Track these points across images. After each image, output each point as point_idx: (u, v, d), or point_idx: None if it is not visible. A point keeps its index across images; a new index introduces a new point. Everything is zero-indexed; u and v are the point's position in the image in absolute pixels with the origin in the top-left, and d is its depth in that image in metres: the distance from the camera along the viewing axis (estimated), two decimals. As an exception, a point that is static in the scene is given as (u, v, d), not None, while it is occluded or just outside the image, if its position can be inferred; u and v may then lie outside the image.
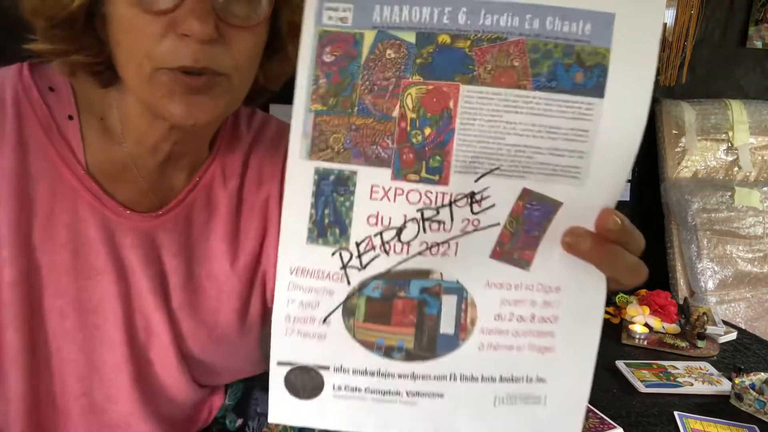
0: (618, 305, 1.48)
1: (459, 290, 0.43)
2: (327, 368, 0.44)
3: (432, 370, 0.44)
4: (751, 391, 1.09)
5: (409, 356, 0.44)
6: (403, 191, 0.41)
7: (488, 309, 0.43)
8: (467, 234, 0.42)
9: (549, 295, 0.43)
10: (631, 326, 1.39)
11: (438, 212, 0.41)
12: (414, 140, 0.40)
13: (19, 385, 0.55)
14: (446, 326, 0.43)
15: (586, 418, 1.01)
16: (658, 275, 2.47)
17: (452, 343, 0.44)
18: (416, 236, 0.42)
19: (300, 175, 0.41)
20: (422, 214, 0.41)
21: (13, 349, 0.54)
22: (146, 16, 0.48)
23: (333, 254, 0.42)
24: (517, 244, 0.42)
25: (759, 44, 2.52)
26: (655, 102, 2.51)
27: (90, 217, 0.57)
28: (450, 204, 0.41)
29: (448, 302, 0.43)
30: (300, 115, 0.41)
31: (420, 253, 0.42)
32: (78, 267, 0.57)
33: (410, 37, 0.39)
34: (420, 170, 0.41)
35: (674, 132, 2.43)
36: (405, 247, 0.42)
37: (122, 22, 0.50)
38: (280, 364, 0.43)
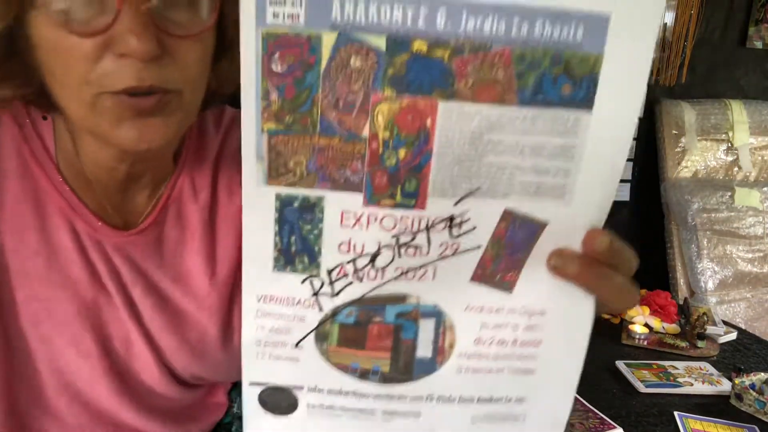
0: (618, 305, 1.48)
1: (437, 314, 0.41)
2: (301, 388, 0.43)
3: (408, 392, 0.43)
4: (751, 391, 1.09)
5: (385, 379, 0.42)
6: (376, 217, 0.37)
7: (468, 333, 0.41)
8: (445, 258, 0.39)
9: (533, 319, 0.41)
10: (631, 326, 1.39)
11: (415, 237, 0.38)
12: (387, 163, 0.36)
13: None
14: (423, 350, 0.42)
15: (586, 418, 1.01)
16: (658, 275, 2.47)
17: (429, 366, 0.42)
18: (391, 262, 0.39)
19: (259, 202, 0.37)
20: (397, 240, 0.38)
21: None
22: (76, 37, 0.42)
23: (303, 282, 0.39)
24: (499, 266, 0.40)
25: (759, 44, 2.52)
26: (655, 102, 2.51)
27: (61, 224, 0.54)
28: (427, 229, 0.38)
29: (426, 326, 0.41)
30: (251, 136, 0.35)
31: (396, 279, 0.40)
32: (52, 275, 0.54)
33: (379, 43, 0.33)
34: (395, 195, 0.37)
35: (674, 132, 2.43)
36: (379, 273, 0.39)
37: (50, 46, 0.44)
38: (252, 384, 0.42)
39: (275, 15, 0.33)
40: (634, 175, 2.61)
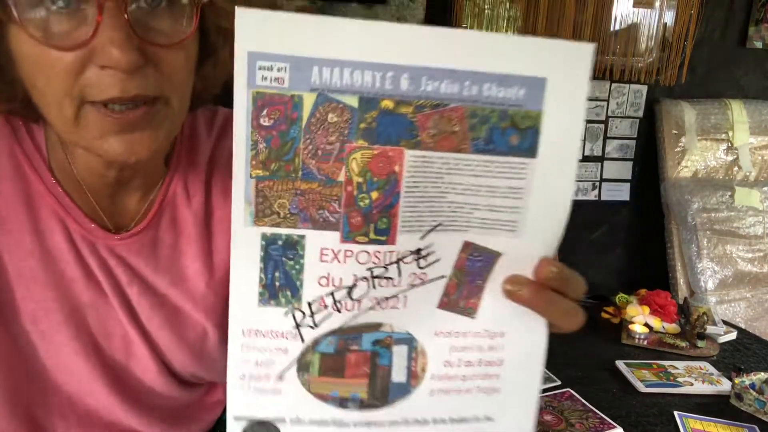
0: (618, 305, 1.48)
1: (409, 340, 0.45)
2: (283, 421, 0.45)
3: (386, 416, 0.46)
4: (751, 391, 1.09)
5: (363, 405, 0.45)
6: (352, 252, 0.42)
7: (438, 356, 0.45)
8: (415, 287, 0.43)
9: (494, 340, 0.46)
10: (631, 326, 1.39)
11: (387, 269, 0.42)
12: (361, 204, 0.40)
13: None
14: (398, 375, 0.45)
15: (586, 418, 1.01)
16: (658, 275, 2.47)
17: (404, 390, 0.45)
18: (366, 293, 0.43)
19: (246, 241, 0.41)
20: (372, 273, 0.42)
21: None
22: (57, 51, 0.42)
23: (286, 314, 0.43)
24: (462, 293, 0.44)
25: (759, 44, 2.52)
26: (655, 102, 2.51)
27: (55, 226, 0.54)
28: (398, 261, 0.42)
29: (399, 352, 0.45)
30: (240, 181, 0.39)
31: (371, 308, 0.43)
32: (47, 276, 0.54)
33: (353, 102, 0.38)
34: (368, 232, 0.41)
35: (674, 132, 2.43)
36: (356, 304, 0.43)
37: (30, 61, 0.44)
38: (236, 419, 0.44)
39: (264, 78, 0.37)
40: (634, 175, 2.61)
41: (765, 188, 2.41)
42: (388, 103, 0.39)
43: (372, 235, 0.41)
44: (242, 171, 0.39)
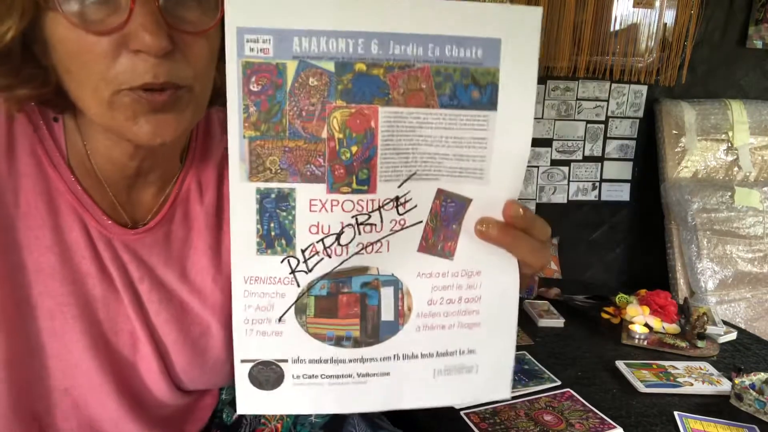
0: (618, 305, 1.48)
1: (395, 282, 0.50)
2: (286, 361, 0.49)
3: (378, 353, 0.50)
4: (751, 391, 1.09)
5: (357, 343, 0.50)
6: (338, 202, 0.46)
7: (421, 296, 0.50)
8: (396, 233, 0.48)
9: (472, 279, 0.51)
10: (631, 326, 1.39)
11: (370, 216, 0.47)
12: (343, 157, 0.45)
13: (3, 387, 0.54)
14: (387, 314, 0.50)
15: (586, 418, 1.01)
16: (658, 275, 2.47)
17: (393, 328, 0.50)
18: (353, 239, 0.47)
19: (243, 196, 0.45)
20: (356, 220, 0.47)
21: None
22: (93, 36, 0.45)
23: (282, 262, 0.47)
24: (439, 237, 0.49)
25: (759, 44, 2.52)
26: (655, 102, 2.51)
27: (73, 222, 0.56)
28: (379, 208, 0.47)
29: (387, 293, 0.50)
30: (235, 141, 0.44)
31: (357, 253, 0.48)
32: (64, 270, 0.56)
33: (329, 66, 0.43)
34: (351, 183, 0.46)
35: (674, 132, 2.43)
36: (344, 249, 0.47)
37: (67, 46, 0.46)
38: (243, 361, 0.48)
39: (251, 49, 0.42)
40: (634, 175, 2.61)
41: (765, 188, 2.41)
42: (361, 66, 0.43)
43: (354, 185, 0.46)
44: (236, 132, 0.44)
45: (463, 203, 0.49)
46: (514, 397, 1.07)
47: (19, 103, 0.52)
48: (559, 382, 1.14)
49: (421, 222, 0.49)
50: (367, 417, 0.76)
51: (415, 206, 0.48)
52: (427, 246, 0.50)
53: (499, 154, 0.47)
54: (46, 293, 0.55)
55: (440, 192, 0.48)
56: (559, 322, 1.45)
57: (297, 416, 0.73)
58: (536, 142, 2.52)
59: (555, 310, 1.52)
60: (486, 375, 0.53)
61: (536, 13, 0.45)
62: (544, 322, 1.45)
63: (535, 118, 2.39)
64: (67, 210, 0.56)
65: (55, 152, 0.55)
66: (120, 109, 0.48)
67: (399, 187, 0.47)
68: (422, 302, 0.50)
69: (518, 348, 1.29)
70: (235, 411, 0.73)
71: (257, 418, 0.78)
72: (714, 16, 2.48)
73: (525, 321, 1.46)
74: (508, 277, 0.51)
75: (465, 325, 0.52)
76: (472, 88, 0.45)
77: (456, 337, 0.52)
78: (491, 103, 0.46)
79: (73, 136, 0.56)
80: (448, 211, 0.49)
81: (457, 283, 0.51)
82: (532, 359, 1.24)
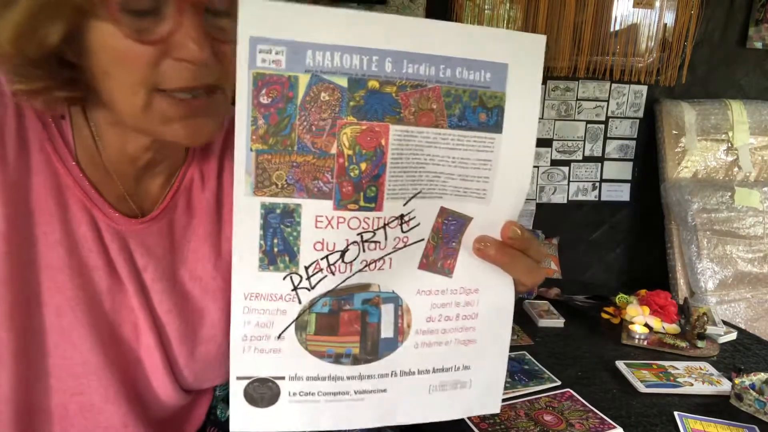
0: (618, 305, 1.48)
1: (395, 299, 0.50)
2: (283, 378, 0.48)
3: (376, 370, 0.50)
4: (751, 391, 1.09)
5: (356, 360, 0.49)
6: (344, 219, 0.45)
7: (421, 313, 0.50)
8: (398, 250, 0.48)
9: (470, 296, 0.51)
10: (631, 326, 1.39)
11: (375, 234, 0.47)
12: (352, 174, 0.44)
13: (6, 388, 0.54)
14: (387, 331, 0.50)
15: (586, 418, 1.01)
16: (658, 275, 2.47)
17: (392, 345, 0.50)
18: (357, 256, 0.47)
19: (247, 210, 0.44)
20: (362, 237, 0.46)
21: (3, 349, 0.54)
22: (139, 45, 0.47)
23: (284, 278, 0.46)
24: (439, 254, 0.50)
25: (759, 44, 2.52)
26: (655, 102, 2.51)
27: (82, 216, 0.57)
28: (384, 226, 0.47)
29: (387, 310, 0.49)
30: (242, 154, 0.43)
31: (360, 270, 0.47)
32: (72, 264, 0.57)
33: (342, 82, 0.42)
34: (359, 200, 0.45)
35: (674, 132, 2.43)
36: (348, 266, 0.47)
37: (114, 54, 0.48)
38: (239, 378, 0.47)
39: (263, 60, 0.41)
40: (634, 175, 2.61)
41: (765, 188, 2.41)
42: (374, 84, 0.43)
43: (362, 203, 0.45)
44: (243, 144, 0.43)
45: (464, 221, 0.49)
46: (514, 397, 1.07)
47: (56, 104, 0.53)
48: (559, 382, 1.14)
49: (423, 239, 0.49)
50: None
51: (419, 224, 0.48)
52: (428, 263, 0.50)
53: (503, 175, 0.48)
54: (55, 288, 0.56)
55: (443, 210, 0.48)
56: (559, 322, 1.45)
57: None
58: (536, 142, 2.52)
59: (555, 310, 1.52)
60: (479, 390, 0.54)
61: (541, 40, 0.45)
62: (544, 322, 1.45)
63: (535, 118, 2.35)
64: (76, 205, 0.57)
65: (64, 149, 0.56)
66: (156, 113, 0.50)
67: (404, 205, 0.47)
68: (421, 319, 0.50)
69: (518, 348, 1.30)
70: (228, 407, 0.74)
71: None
72: (714, 16, 2.48)
73: (525, 321, 1.46)
74: (504, 295, 0.52)
75: (461, 342, 0.52)
76: (480, 110, 0.46)
77: (452, 354, 0.52)
78: (497, 126, 0.46)
79: (81, 132, 0.58)
80: (449, 229, 0.49)
81: (455, 300, 0.51)
82: (532, 359, 1.24)
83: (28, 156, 0.54)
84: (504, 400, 1.06)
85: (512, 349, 1.29)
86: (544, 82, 2.45)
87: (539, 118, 2.48)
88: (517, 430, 0.97)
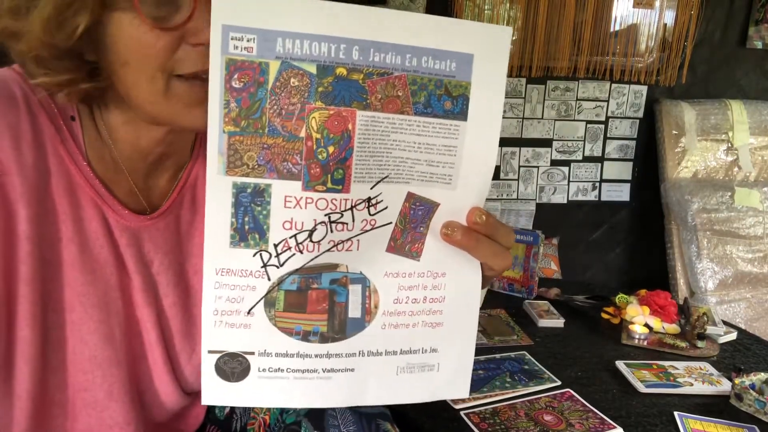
0: (618, 305, 1.48)
1: (362, 280, 0.51)
2: (252, 353, 0.50)
3: (344, 349, 0.52)
4: (751, 391, 1.09)
5: (324, 339, 0.51)
6: (312, 200, 0.47)
7: (388, 294, 0.52)
8: (366, 232, 0.50)
9: (437, 280, 0.53)
10: (631, 326, 1.39)
11: (342, 215, 0.48)
12: (320, 157, 0.46)
13: (28, 383, 0.56)
14: (354, 311, 0.51)
15: (586, 418, 1.01)
16: (658, 275, 2.47)
17: (360, 325, 0.52)
18: (325, 236, 0.48)
19: (219, 189, 0.46)
20: (329, 218, 0.48)
21: (25, 345, 0.55)
22: (158, 32, 0.49)
23: (254, 255, 0.48)
24: (407, 238, 0.51)
25: (759, 44, 2.52)
26: (655, 102, 2.51)
27: (93, 214, 0.59)
28: (351, 208, 0.48)
29: (354, 291, 0.51)
30: (215, 135, 0.44)
31: (329, 250, 0.49)
32: (83, 261, 0.58)
33: (311, 68, 0.44)
34: (326, 182, 0.47)
35: (674, 132, 2.43)
36: (316, 245, 0.49)
37: (131, 42, 0.50)
38: (210, 352, 0.49)
39: (235, 47, 0.43)
40: (634, 175, 2.61)
41: (765, 188, 2.41)
42: (341, 71, 0.45)
43: (329, 185, 0.47)
44: (216, 126, 0.44)
45: (431, 207, 0.51)
46: (514, 397, 1.07)
47: (79, 96, 0.55)
48: (559, 382, 1.14)
49: (390, 223, 0.50)
50: None
51: (386, 207, 0.50)
52: (395, 246, 0.51)
53: (467, 162, 0.49)
54: (66, 285, 0.58)
55: (410, 195, 0.50)
56: (559, 322, 1.45)
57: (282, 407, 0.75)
58: (536, 142, 2.52)
59: (555, 310, 1.51)
60: (447, 374, 0.55)
61: (506, 32, 0.48)
62: (544, 322, 1.45)
63: (535, 119, 2.37)
64: (88, 203, 0.59)
65: (75, 149, 0.58)
66: (175, 98, 0.52)
67: (371, 188, 0.49)
68: (388, 301, 0.52)
69: (518, 348, 1.30)
70: (226, 406, 0.75)
71: (247, 413, 0.80)
72: (714, 16, 2.48)
73: (525, 321, 1.46)
74: (471, 279, 0.54)
75: (428, 324, 0.54)
76: (445, 98, 0.47)
77: (420, 336, 0.54)
78: (462, 114, 0.48)
79: (91, 132, 0.60)
80: (416, 214, 0.51)
81: (422, 283, 0.53)
82: (532, 359, 1.24)
83: (45, 158, 0.56)
84: (504, 400, 1.06)
85: (512, 349, 1.29)
86: (543, 82, 2.45)
87: (539, 118, 2.49)
88: (517, 430, 0.97)
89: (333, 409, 0.70)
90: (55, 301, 0.57)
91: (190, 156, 0.69)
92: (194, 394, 0.72)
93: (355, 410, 0.70)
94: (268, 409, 0.79)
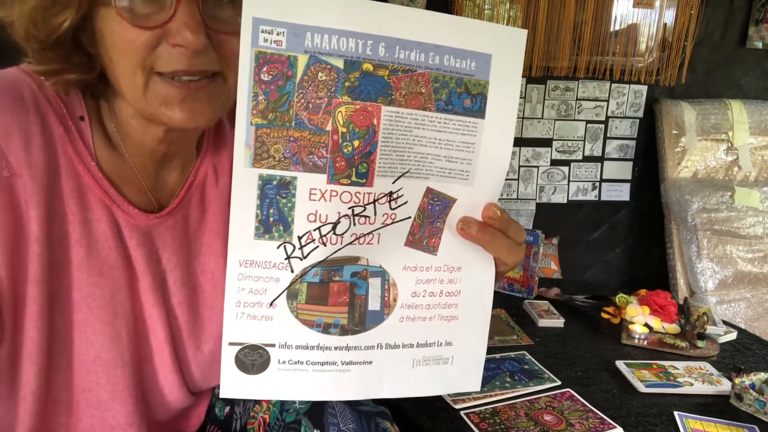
0: (618, 305, 1.48)
1: (382, 273, 0.52)
2: (273, 345, 0.50)
3: (363, 342, 0.52)
4: (751, 391, 1.09)
5: (344, 331, 0.52)
6: (337, 193, 0.48)
7: (406, 288, 0.53)
8: (387, 226, 0.51)
9: (453, 274, 0.54)
10: (631, 326, 1.39)
11: (365, 209, 0.49)
12: (345, 150, 0.47)
13: (34, 382, 0.56)
14: (373, 304, 0.52)
15: (586, 418, 1.01)
16: (658, 275, 2.47)
17: (379, 317, 0.53)
18: (348, 229, 0.49)
19: (245, 181, 0.47)
20: (353, 211, 0.49)
21: (32, 346, 0.55)
22: (137, 29, 0.49)
23: (278, 247, 0.49)
24: (425, 233, 0.52)
25: (759, 44, 2.52)
26: (655, 102, 2.51)
27: (102, 215, 0.59)
28: (374, 202, 0.49)
29: (374, 284, 0.52)
30: (242, 127, 0.45)
31: (351, 243, 0.50)
32: (91, 262, 0.58)
33: (339, 63, 0.45)
34: (351, 175, 0.48)
35: (674, 132, 2.43)
36: (339, 238, 0.49)
37: (114, 38, 0.51)
38: (231, 344, 0.50)
39: (265, 40, 0.44)
40: (634, 175, 2.61)
41: (765, 188, 2.41)
42: (368, 66, 0.45)
43: (354, 178, 0.48)
44: (244, 119, 0.45)
45: (449, 202, 0.52)
46: (514, 397, 1.07)
47: (66, 87, 0.55)
48: (559, 382, 1.14)
49: (409, 217, 0.51)
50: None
51: (406, 202, 0.51)
52: (414, 240, 0.52)
53: (484, 158, 0.50)
54: (73, 286, 0.58)
55: (429, 190, 0.51)
56: (559, 322, 1.45)
57: (282, 404, 0.76)
58: (536, 142, 2.52)
59: (555, 310, 1.51)
60: (460, 367, 0.56)
61: (522, 34, 0.49)
62: (544, 322, 1.45)
63: (535, 118, 2.37)
64: (96, 204, 0.59)
65: (84, 150, 0.58)
66: (154, 95, 0.53)
67: (393, 182, 0.49)
68: (407, 294, 0.53)
69: (518, 348, 1.30)
70: (226, 405, 0.76)
71: (246, 411, 0.80)
72: (714, 16, 2.48)
73: (525, 321, 1.46)
74: (485, 274, 0.55)
75: (444, 318, 0.54)
76: (465, 96, 0.49)
77: (435, 329, 0.54)
78: (480, 112, 0.49)
79: (100, 132, 0.60)
80: (434, 209, 0.52)
81: (439, 277, 0.54)
82: (532, 359, 1.24)
83: (54, 159, 0.56)
84: (504, 400, 1.06)
85: (512, 349, 1.29)
86: (543, 82, 2.45)
87: (539, 118, 2.48)
88: (517, 430, 0.96)
89: (332, 408, 0.70)
90: (62, 302, 0.57)
91: (197, 155, 0.69)
92: (198, 394, 0.73)
93: (354, 409, 0.70)
94: (268, 408, 0.79)
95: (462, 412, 1.00)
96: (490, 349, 1.28)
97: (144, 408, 0.64)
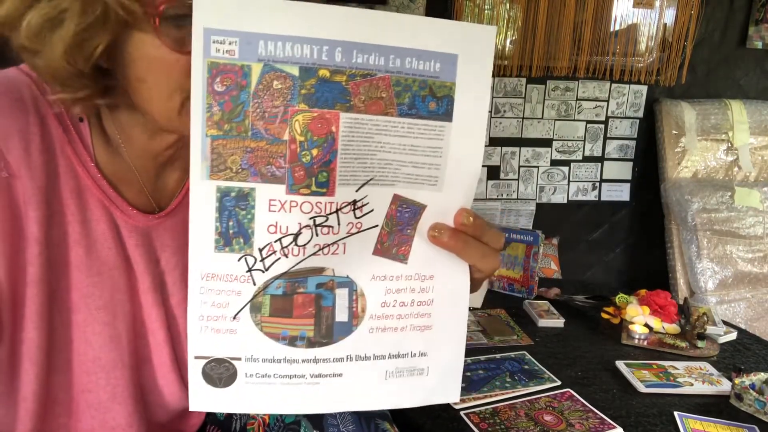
0: (618, 305, 1.48)
1: (349, 283, 0.50)
2: (239, 359, 0.49)
3: (331, 354, 0.51)
4: (751, 391, 1.09)
5: (311, 343, 0.50)
6: (297, 203, 0.46)
7: (375, 298, 0.51)
8: (352, 235, 0.49)
9: (425, 283, 0.52)
10: (631, 326, 1.39)
11: (327, 218, 0.47)
12: (304, 160, 0.45)
13: (33, 383, 0.56)
14: (341, 315, 0.51)
15: (586, 418, 1.01)
16: (658, 275, 2.47)
17: (347, 329, 0.51)
18: (310, 240, 0.48)
19: (203, 193, 0.45)
20: (314, 221, 0.47)
21: (32, 346, 0.55)
22: (177, 54, 0.49)
23: (239, 260, 0.47)
24: (393, 241, 0.50)
25: (759, 44, 2.52)
26: (655, 102, 2.51)
27: (101, 216, 0.59)
28: (337, 211, 0.48)
29: (341, 294, 0.50)
30: (197, 139, 0.44)
31: (314, 254, 0.48)
32: (90, 263, 0.58)
33: (294, 71, 0.43)
34: (310, 185, 0.46)
35: (674, 132, 2.43)
36: (301, 249, 0.48)
37: (152, 62, 0.50)
38: (197, 358, 0.49)
39: (217, 50, 0.42)
40: (634, 175, 2.61)
41: (765, 188, 2.41)
42: (324, 72, 0.44)
43: (314, 188, 0.46)
44: (199, 130, 0.44)
45: (418, 209, 0.50)
46: (514, 397, 1.07)
47: (92, 109, 0.56)
48: (559, 382, 1.14)
49: (376, 226, 0.50)
50: None
51: (372, 210, 0.49)
52: (382, 249, 0.51)
53: (453, 163, 0.49)
54: (73, 286, 0.58)
55: (396, 197, 0.49)
56: (559, 322, 1.45)
57: None
58: (536, 142, 2.52)
59: (555, 310, 1.51)
60: (436, 377, 0.54)
61: (490, 31, 0.47)
62: (544, 322, 1.45)
63: (535, 119, 2.37)
64: (95, 205, 0.59)
65: (83, 151, 0.58)
66: (188, 116, 0.52)
67: (357, 191, 0.48)
68: (376, 304, 0.51)
69: (518, 348, 1.30)
70: None
71: (246, 413, 0.80)
72: (714, 16, 2.48)
73: (525, 321, 1.46)
74: (459, 282, 0.53)
75: (417, 328, 0.53)
76: (429, 99, 0.47)
77: (408, 340, 0.53)
78: (447, 115, 0.47)
79: (99, 132, 0.60)
80: (403, 216, 0.50)
81: (410, 286, 0.52)
82: (532, 359, 1.24)
83: (54, 160, 0.56)
84: (504, 400, 1.06)
85: (512, 349, 1.29)
86: (543, 82, 2.45)
87: (539, 118, 2.49)
88: (517, 430, 0.97)
89: None
90: (61, 303, 0.57)
91: None
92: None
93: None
94: None
95: (462, 413, 1.01)
96: (490, 350, 1.28)
97: (144, 409, 0.64)
